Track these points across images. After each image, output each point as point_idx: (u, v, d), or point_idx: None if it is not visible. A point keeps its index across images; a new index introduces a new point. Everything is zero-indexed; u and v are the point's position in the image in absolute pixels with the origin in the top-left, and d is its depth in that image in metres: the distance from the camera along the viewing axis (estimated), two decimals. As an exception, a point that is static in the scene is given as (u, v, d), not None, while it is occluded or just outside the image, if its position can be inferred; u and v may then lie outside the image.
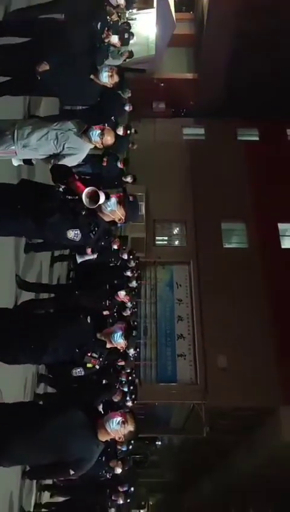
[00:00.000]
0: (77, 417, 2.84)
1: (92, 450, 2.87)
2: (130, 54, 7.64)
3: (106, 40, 4.20)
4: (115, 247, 6.43)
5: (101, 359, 3.27)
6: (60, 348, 3.17)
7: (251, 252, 15.72)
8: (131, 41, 8.05)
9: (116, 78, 3.82)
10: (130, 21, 9.74)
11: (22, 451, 2.79)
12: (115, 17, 4.81)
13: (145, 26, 15.92)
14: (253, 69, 16.58)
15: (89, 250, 4.81)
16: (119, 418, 2.82)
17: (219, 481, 19.52)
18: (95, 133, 3.31)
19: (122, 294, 6.02)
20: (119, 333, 3.26)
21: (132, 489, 6.76)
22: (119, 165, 7.58)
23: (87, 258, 4.80)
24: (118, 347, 3.39)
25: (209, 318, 14.29)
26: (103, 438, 2.86)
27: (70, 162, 3.45)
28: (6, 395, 4.64)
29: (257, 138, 18.62)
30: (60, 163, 3.37)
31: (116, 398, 6.09)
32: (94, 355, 3.21)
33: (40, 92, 4.07)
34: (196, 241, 16.00)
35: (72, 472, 2.84)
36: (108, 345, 3.31)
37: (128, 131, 7.16)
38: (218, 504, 21.02)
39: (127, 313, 7.19)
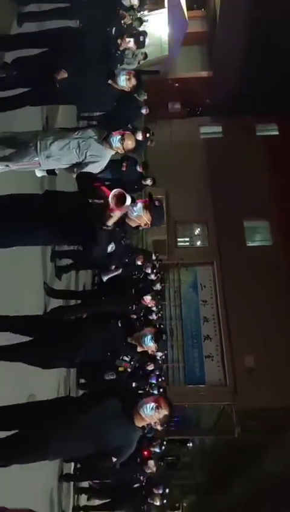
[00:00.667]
0: (113, 406, 2.86)
1: (130, 436, 2.90)
2: (145, 56, 7.63)
3: (122, 47, 4.18)
4: (139, 263, 6.40)
5: (132, 362, 3.37)
6: (91, 352, 3.31)
7: (275, 250, 15.47)
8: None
9: (133, 82, 3.82)
10: (143, 23, 9.74)
11: (61, 444, 2.84)
12: (128, 20, 4.78)
13: (157, 26, 15.86)
14: (268, 63, 16.29)
15: (113, 267, 4.82)
16: (152, 404, 2.84)
17: (252, 482, 19.26)
18: (116, 138, 3.31)
19: (148, 298, 6.03)
20: (149, 337, 3.36)
21: (167, 490, 6.76)
22: (139, 168, 7.59)
23: (111, 275, 4.82)
24: (149, 350, 3.48)
25: (235, 318, 14.13)
26: (139, 423, 2.88)
27: (93, 169, 3.47)
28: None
29: (276, 133, 18.31)
30: (83, 171, 3.39)
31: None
32: (125, 358, 3.32)
33: (58, 100, 4.08)
34: (218, 240, 15.85)
35: (114, 459, 2.87)
36: (139, 349, 3.40)
37: (148, 134, 7.14)
38: (251, 505, 20.73)
39: (153, 317, 7.19)
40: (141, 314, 6.33)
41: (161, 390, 7.83)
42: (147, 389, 7.15)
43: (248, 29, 15.66)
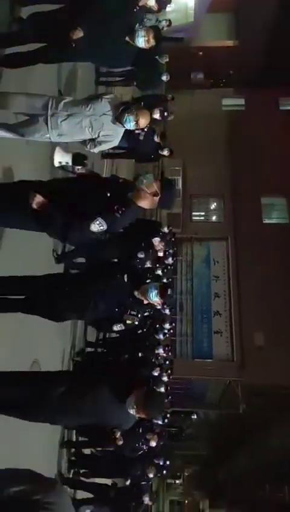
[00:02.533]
0: (104, 392, 2.89)
1: (126, 418, 2.95)
2: (169, 23, 7.34)
3: (141, 3, 3.99)
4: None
5: (139, 316, 3.43)
6: (100, 305, 3.37)
7: (292, 228, 15.21)
8: (169, 9, 7.74)
9: (152, 42, 3.67)
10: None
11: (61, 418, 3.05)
12: None
13: (183, -9, 15.29)
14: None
15: None
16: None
17: (254, 457, 19.64)
18: (129, 119, 3.18)
19: (156, 240, 5.84)
20: (154, 292, 3.36)
21: (167, 462, 6.89)
22: (156, 139, 7.40)
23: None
24: (155, 304, 3.50)
25: (246, 295, 14.07)
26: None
27: (105, 147, 3.43)
28: (44, 366, 4.75)
29: (300, 107, 17.71)
30: (96, 149, 3.37)
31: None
32: (132, 312, 3.38)
33: (74, 58, 3.95)
34: (234, 216, 15.62)
35: (117, 433, 3.06)
36: (144, 302, 3.43)
37: (165, 114, 6.92)
38: (252, 479, 21.21)
39: (169, 261, 7.05)
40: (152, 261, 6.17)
41: (167, 362, 7.88)
42: (153, 360, 7.21)
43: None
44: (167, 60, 7.09)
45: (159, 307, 3.87)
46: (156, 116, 6.55)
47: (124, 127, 3.25)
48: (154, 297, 3.36)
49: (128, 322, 3.40)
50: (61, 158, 4.09)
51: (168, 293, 3.95)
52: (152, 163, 10.98)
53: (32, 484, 1.56)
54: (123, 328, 3.48)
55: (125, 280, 3.40)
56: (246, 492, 22.08)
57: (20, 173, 3.87)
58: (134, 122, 3.18)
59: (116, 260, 4.66)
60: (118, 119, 3.22)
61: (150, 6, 4.40)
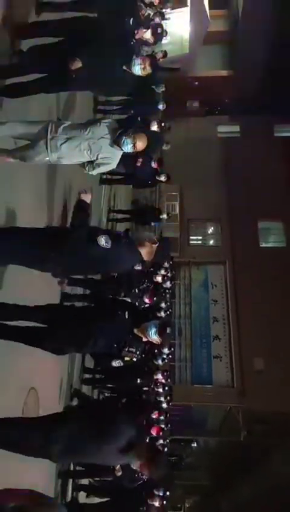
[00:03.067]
0: (109, 441, 2.92)
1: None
2: (164, 54, 7.59)
3: (138, 36, 4.14)
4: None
5: (138, 353, 3.47)
6: (99, 341, 3.41)
7: (289, 251, 15.28)
8: (165, 41, 8.01)
9: (148, 70, 3.81)
10: (163, 20, 9.70)
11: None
12: (145, 12, 4.72)
13: (179, 24, 15.82)
14: (288, 64, 16.10)
15: None
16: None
17: (257, 485, 19.10)
18: (127, 142, 3.28)
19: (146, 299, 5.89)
20: (153, 330, 3.43)
21: (168, 493, 6.72)
22: (154, 165, 7.55)
23: None
24: (153, 342, 3.58)
25: (245, 319, 14.02)
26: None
27: (103, 169, 3.50)
28: (42, 395, 4.69)
29: (294, 134, 18.11)
30: (95, 171, 3.43)
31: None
32: (131, 349, 3.42)
33: (73, 88, 4.06)
34: (231, 240, 15.74)
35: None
36: (144, 339, 3.50)
37: (163, 124, 7.06)
38: (256, 508, 20.57)
39: (162, 314, 7.15)
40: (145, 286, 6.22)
41: (166, 388, 7.79)
42: (151, 386, 7.14)
43: (269, 30, 15.49)
44: (164, 89, 7.29)
45: (156, 343, 3.88)
46: (154, 127, 6.70)
47: (122, 149, 3.34)
48: (153, 335, 3.43)
49: (126, 358, 3.46)
50: None
51: (167, 331, 4.00)
52: (149, 189, 11.15)
53: (32, 501, 1.55)
54: (122, 364, 3.57)
55: (126, 317, 3.47)
56: (249, 523, 21.39)
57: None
58: (131, 145, 3.28)
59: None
60: (115, 142, 3.32)
61: (146, 39, 4.56)
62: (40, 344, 3.51)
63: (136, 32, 4.12)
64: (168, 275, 8.14)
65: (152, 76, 4.00)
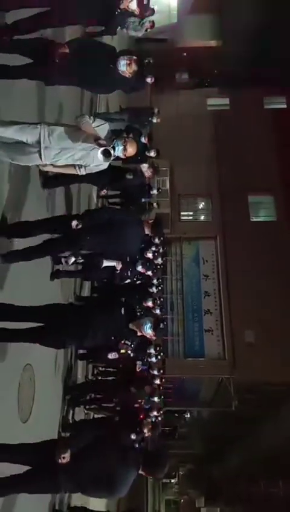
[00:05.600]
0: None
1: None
2: (152, 24, 7.40)
3: (123, 6, 4.03)
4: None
5: (132, 346, 3.77)
6: (98, 335, 3.70)
7: (280, 225, 15.37)
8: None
9: (134, 67, 3.79)
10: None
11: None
12: None
13: (166, -7, 15.37)
14: (278, 34, 15.76)
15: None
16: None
17: (247, 453, 19.79)
18: (118, 147, 3.35)
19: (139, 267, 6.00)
20: (149, 325, 3.76)
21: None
22: (143, 140, 7.47)
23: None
24: (147, 336, 3.92)
25: (236, 293, 14.20)
26: None
27: (94, 170, 3.53)
28: (38, 373, 4.77)
29: (284, 106, 17.91)
30: (85, 172, 3.49)
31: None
32: (127, 342, 3.73)
33: (58, 79, 3.94)
34: (222, 215, 15.74)
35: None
36: (138, 333, 3.81)
37: (151, 140, 7.15)
38: (247, 475, 21.37)
39: (153, 290, 7.22)
40: (138, 280, 6.34)
41: (159, 357, 7.93)
42: (145, 360, 7.26)
43: (258, -2, 15.12)
44: (151, 60, 7.14)
45: (150, 338, 4.26)
46: (144, 140, 6.85)
47: (114, 154, 3.34)
48: (147, 330, 3.77)
49: (122, 351, 3.76)
50: None
51: (161, 327, 4.45)
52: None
53: None
54: (117, 356, 3.90)
55: (122, 313, 3.77)
56: (240, 488, 22.25)
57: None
58: (122, 147, 3.33)
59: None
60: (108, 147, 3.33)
61: (132, 10, 4.41)
62: (42, 340, 3.76)
63: (121, 1, 4.00)
64: (160, 251, 8.16)
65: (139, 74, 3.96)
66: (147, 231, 4.87)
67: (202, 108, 18.03)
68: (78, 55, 3.55)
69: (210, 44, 18.43)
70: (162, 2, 15.68)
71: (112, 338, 3.76)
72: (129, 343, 3.75)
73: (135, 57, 3.82)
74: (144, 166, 6.69)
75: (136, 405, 6.29)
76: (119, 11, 4.00)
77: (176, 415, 18.12)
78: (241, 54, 16.64)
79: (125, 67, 3.76)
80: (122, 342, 3.73)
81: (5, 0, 3.62)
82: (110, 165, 3.41)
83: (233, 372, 13.44)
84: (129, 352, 3.86)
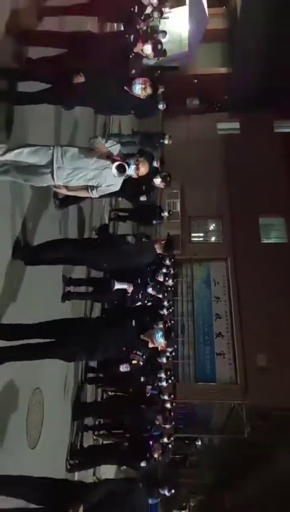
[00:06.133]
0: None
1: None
2: (164, 53, 7.61)
3: (137, 50, 4.15)
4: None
5: (144, 356, 3.78)
6: (110, 347, 3.71)
7: (291, 247, 15.29)
8: (164, 40, 8.05)
9: (149, 91, 3.87)
10: (163, 19, 9.76)
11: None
12: (143, 26, 4.70)
13: (177, 23, 15.78)
14: (287, 60, 16.07)
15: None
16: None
17: (261, 482, 19.13)
18: (130, 162, 3.35)
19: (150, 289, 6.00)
20: (160, 334, 3.77)
21: (173, 491, 6.74)
22: (155, 164, 7.59)
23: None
24: (159, 346, 3.93)
25: (248, 316, 14.02)
26: None
27: (106, 192, 3.58)
28: (47, 396, 4.72)
29: (294, 130, 18.07)
30: (97, 194, 3.55)
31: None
32: (138, 353, 3.74)
33: (75, 101, 4.09)
34: (232, 237, 15.72)
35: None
36: (150, 345, 3.82)
37: (163, 164, 7.32)
38: (259, 505, 20.61)
39: (164, 312, 7.17)
40: (148, 302, 6.31)
41: (170, 381, 7.82)
42: (155, 384, 7.15)
43: (267, 27, 15.47)
44: (163, 89, 7.30)
45: (162, 349, 4.36)
46: (156, 165, 6.99)
47: (127, 171, 3.36)
48: (159, 339, 3.79)
49: (134, 361, 3.75)
50: None
51: (172, 335, 4.44)
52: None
53: None
54: (129, 368, 3.86)
55: (133, 325, 3.82)
56: (254, 519, 21.42)
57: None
58: (135, 166, 3.35)
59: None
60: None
61: (146, 54, 4.54)
62: (52, 354, 3.77)
63: (135, 45, 4.15)
64: (171, 272, 8.14)
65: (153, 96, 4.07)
66: (158, 250, 4.92)
67: (213, 133, 18.29)
68: (93, 82, 3.63)
69: (220, 71, 18.82)
70: (174, 32, 16.07)
71: (124, 349, 3.77)
72: (141, 354, 3.76)
73: (149, 81, 3.88)
74: (157, 180, 6.81)
75: (146, 433, 6.16)
76: (133, 54, 4.12)
77: (187, 442, 17.69)
78: (251, 79, 16.95)
79: (140, 90, 3.83)
80: (134, 352, 3.74)
81: (36, 36, 3.86)
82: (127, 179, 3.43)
83: (245, 397, 13.15)
84: (141, 363, 3.82)
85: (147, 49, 4.46)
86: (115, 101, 3.97)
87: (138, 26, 4.25)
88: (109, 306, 7.59)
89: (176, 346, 11.66)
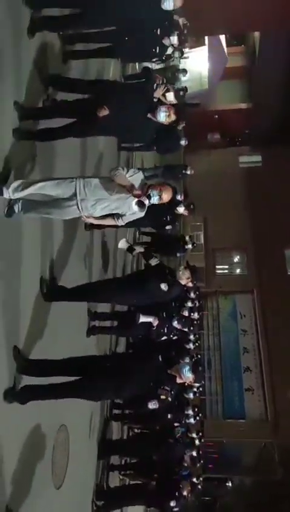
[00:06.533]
0: None
1: None
2: (185, 91, 7.88)
3: (156, 94, 4.29)
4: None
5: (172, 392, 3.66)
6: (137, 383, 3.66)
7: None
8: (185, 78, 8.35)
9: (173, 117, 3.94)
10: (183, 59, 10.15)
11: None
12: (160, 81, 4.88)
13: (197, 62, 16.41)
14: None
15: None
16: None
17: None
18: (153, 193, 3.36)
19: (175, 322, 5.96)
20: (187, 368, 3.70)
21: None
22: (179, 197, 7.72)
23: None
24: (187, 381, 3.82)
25: (277, 349, 13.64)
26: None
27: (131, 219, 3.61)
28: (72, 434, 4.66)
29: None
30: (123, 222, 3.59)
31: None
32: (167, 388, 3.62)
33: (99, 132, 4.26)
34: (258, 269, 15.57)
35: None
36: (178, 380, 3.74)
37: (187, 196, 7.46)
38: None
39: (190, 346, 7.06)
40: (174, 336, 6.25)
41: (197, 418, 7.59)
42: (183, 421, 6.96)
43: (285, 63, 15.86)
44: (184, 124, 7.48)
45: (190, 383, 4.25)
46: (179, 197, 7.11)
47: (149, 202, 3.41)
48: (187, 373, 3.71)
49: (162, 397, 3.63)
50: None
51: (199, 369, 4.30)
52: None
53: None
54: (157, 405, 3.68)
55: (160, 359, 3.76)
56: None
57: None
58: (157, 197, 3.36)
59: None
60: (144, 196, 3.38)
61: (169, 101, 4.69)
62: (78, 394, 3.74)
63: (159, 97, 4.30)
64: (196, 305, 8.07)
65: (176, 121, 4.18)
66: (183, 282, 4.87)
67: (235, 166, 18.50)
68: (117, 112, 3.70)
69: (240, 107, 19.26)
70: (194, 71, 16.67)
71: (151, 384, 3.66)
72: (169, 389, 3.64)
73: (173, 107, 3.94)
74: (181, 208, 6.95)
75: (174, 473, 5.97)
76: (155, 99, 4.26)
77: (216, 482, 16.89)
78: (271, 114, 17.22)
79: (165, 118, 3.87)
80: (162, 387, 3.62)
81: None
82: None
83: (277, 435, 12.60)
84: (169, 399, 3.70)
85: (170, 96, 4.62)
86: (140, 128, 4.03)
87: (156, 82, 4.36)
88: (134, 340, 7.54)
89: (203, 382, 11.35)
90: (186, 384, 4.39)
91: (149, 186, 3.39)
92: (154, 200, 3.38)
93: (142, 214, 3.52)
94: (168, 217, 7.32)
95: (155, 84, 4.13)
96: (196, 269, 5.61)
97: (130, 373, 3.66)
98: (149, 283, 4.57)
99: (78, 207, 3.32)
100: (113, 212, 3.44)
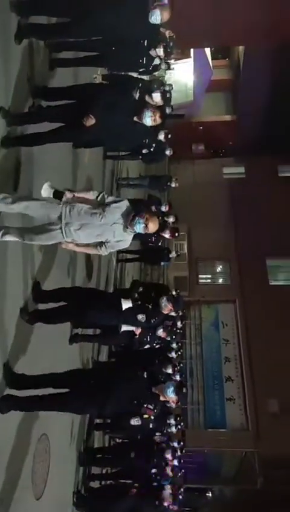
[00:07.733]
0: None
1: None
2: (170, 90, 8.11)
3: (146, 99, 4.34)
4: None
5: (155, 410, 3.69)
6: (121, 400, 3.67)
7: (300, 289, 15.21)
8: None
9: (159, 121, 3.97)
10: (169, 70, 10.34)
11: None
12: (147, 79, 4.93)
13: (183, 74, 16.67)
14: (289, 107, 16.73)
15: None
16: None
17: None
18: (139, 225, 3.33)
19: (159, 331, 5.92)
20: (171, 389, 3.73)
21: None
22: (164, 208, 7.81)
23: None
24: (170, 401, 3.93)
25: (258, 359, 13.73)
26: None
27: (116, 248, 3.60)
28: (53, 443, 4.62)
29: (298, 174, 18.47)
30: (107, 251, 3.53)
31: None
32: (150, 406, 3.65)
33: (86, 143, 4.26)
34: (240, 278, 15.72)
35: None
36: (161, 398, 3.78)
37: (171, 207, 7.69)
38: None
39: (173, 355, 7.07)
40: (157, 345, 6.26)
41: (179, 427, 7.58)
42: (164, 430, 6.95)
43: (269, 77, 16.26)
44: (169, 136, 7.56)
45: (173, 404, 4.31)
46: (164, 209, 7.39)
47: (134, 231, 3.40)
48: (170, 394, 3.75)
49: (145, 416, 3.66)
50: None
51: (184, 391, 4.38)
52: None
53: None
54: (140, 422, 3.68)
55: (145, 377, 3.79)
56: None
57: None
58: (143, 225, 3.32)
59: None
60: (129, 225, 3.36)
61: (155, 102, 4.74)
62: (61, 407, 3.75)
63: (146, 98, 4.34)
64: (179, 314, 8.10)
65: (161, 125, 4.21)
66: (166, 311, 4.73)
67: (218, 177, 18.77)
68: (104, 119, 3.71)
69: (225, 119, 19.59)
70: (180, 82, 16.93)
71: (135, 402, 3.67)
72: (152, 408, 3.65)
73: (158, 111, 3.94)
74: (166, 232, 7.11)
75: (155, 482, 5.93)
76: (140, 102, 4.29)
77: (197, 493, 16.83)
78: (255, 126, 17.58)
79: (150, 121, 3.87)
80: (145, 406, 3.63)
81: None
82: None
83: (257, 444, 12.65)
84: (152, 417, 3.71)
85: (156, 97, 4.67)
86: (127, 132, 4.05)
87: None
88: (116, 349, 7.51)
89: (185, 389, 11.38)
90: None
91: (135, 215, 3.34)
92: (139, 228, 3.32)
93: (127, 244, 3.52)
94: (152, 238, 7.41)
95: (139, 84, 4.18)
96: (179, 298, 5.52)
97: (114, 390, 3.68)
98: (126, 313, 4.48)
99: (61, 231, 3.26)
100: (98, 238, 3.39)
